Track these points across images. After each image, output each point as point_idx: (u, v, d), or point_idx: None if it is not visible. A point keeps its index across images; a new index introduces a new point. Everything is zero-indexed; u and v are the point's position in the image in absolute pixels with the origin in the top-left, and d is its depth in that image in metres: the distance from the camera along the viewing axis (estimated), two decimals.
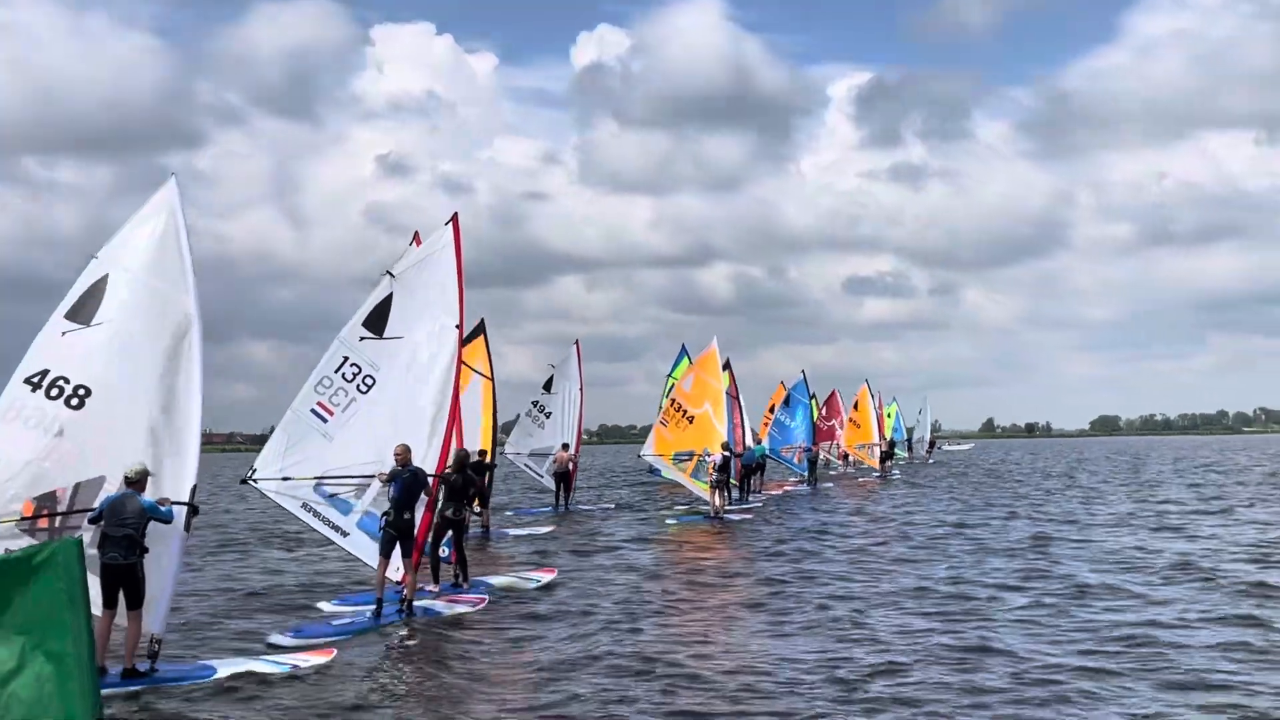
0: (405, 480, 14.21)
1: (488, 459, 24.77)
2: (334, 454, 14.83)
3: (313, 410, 14.91)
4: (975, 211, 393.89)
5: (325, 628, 13.91)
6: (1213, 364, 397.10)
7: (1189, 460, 70.79)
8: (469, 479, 16.74)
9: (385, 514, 14.30)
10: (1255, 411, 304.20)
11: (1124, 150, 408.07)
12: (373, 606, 14.35)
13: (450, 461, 16.14)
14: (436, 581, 16.49)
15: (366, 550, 14.74)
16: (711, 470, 29.19)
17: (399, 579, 14.51)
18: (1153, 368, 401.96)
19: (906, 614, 14.24)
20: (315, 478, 14.84)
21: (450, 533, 16.56)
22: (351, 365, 15.00)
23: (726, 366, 38.38)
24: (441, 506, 16.16)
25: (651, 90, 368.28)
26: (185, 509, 11.03)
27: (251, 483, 14.92)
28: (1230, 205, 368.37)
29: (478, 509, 24.28)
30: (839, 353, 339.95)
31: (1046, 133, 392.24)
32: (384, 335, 15.15)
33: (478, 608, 15.21)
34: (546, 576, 17.62)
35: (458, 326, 15.24)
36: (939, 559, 19.83)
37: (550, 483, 31.53)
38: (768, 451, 44.05)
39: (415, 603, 14.72)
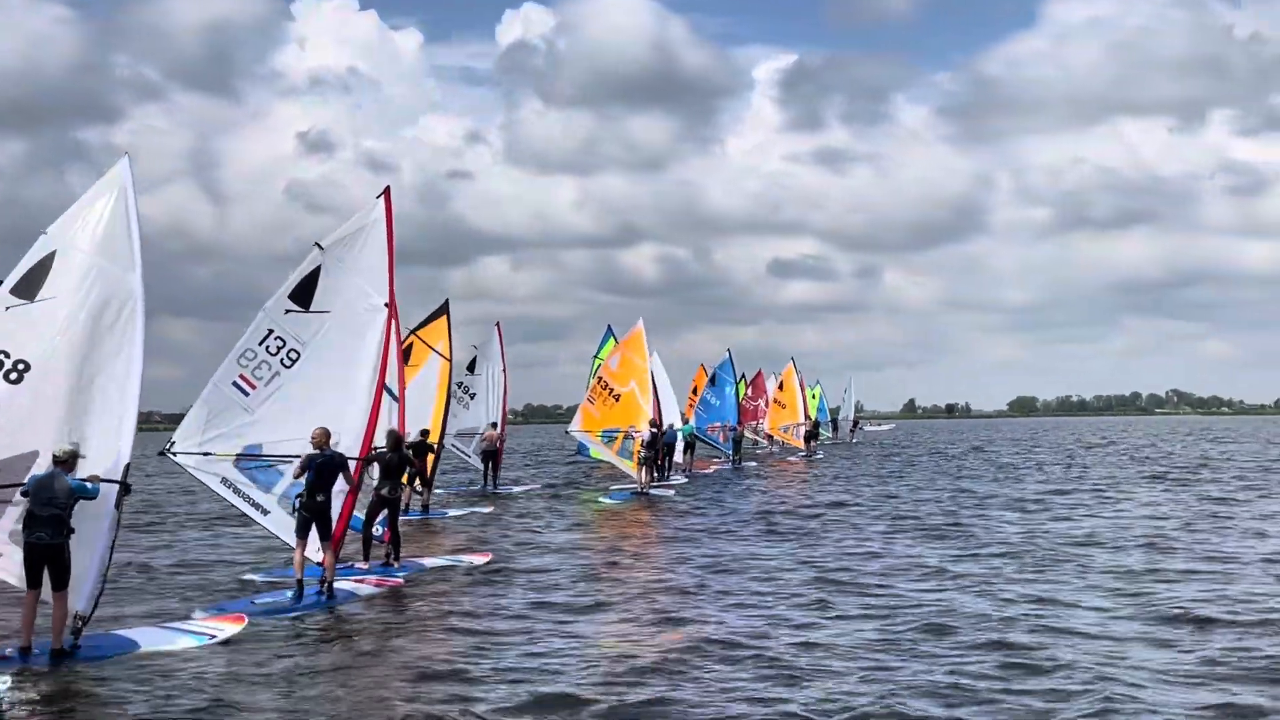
0: (319, 463, 13.67)
1: (430, 439, 24.28)
2: (256, 429, 14.39)
3: (234, 383, 14.41)
4: (897, 195, 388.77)
5: (246, 604, 13.41)
6: (1126, 346, 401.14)
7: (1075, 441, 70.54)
8: (404, 458, 16.46)
9: (299, 495, 13.81)
10: (1167, 394, 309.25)
11: (1043, 135, 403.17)
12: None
13: (383, 442, 15.89)
14: (367, 559, 16.07)
15: (287, 529, 14.27)
16: (639, 447, 29.11)
17: (319, 560, 13.96)
18: (1069, 350, 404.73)
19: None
20: (236, 454, 14.34)
21: (385, 511, 16.20)
22: (276, 338, 14.47)
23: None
24: (378, 485, 15.91)
25: (577, 70, 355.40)
26: (117, 487, 10.70)
27: (170, 455, 14.41)
28: (1145, 191, 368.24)
29: (419, 488, 23.86)
30: (762, 334, 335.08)
31: (967, 117, 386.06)
32: (310, 309, 14.59)
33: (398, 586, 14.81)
34: (480, 560, 17.09)
35: (387, 304, 14.72)
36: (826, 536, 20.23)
37: (477, 462, 31.00)
38: (695, 431, 43.62)
39: (338, 582, 14.25)
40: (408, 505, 23.65)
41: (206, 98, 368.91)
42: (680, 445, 39.00)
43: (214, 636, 11.41)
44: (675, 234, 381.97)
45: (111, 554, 10.94)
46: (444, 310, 26.11)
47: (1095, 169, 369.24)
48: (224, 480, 14.43)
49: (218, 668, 10.44)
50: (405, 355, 24.93)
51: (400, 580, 15.27)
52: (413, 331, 25.68)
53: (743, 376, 49.58)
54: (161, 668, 10.34)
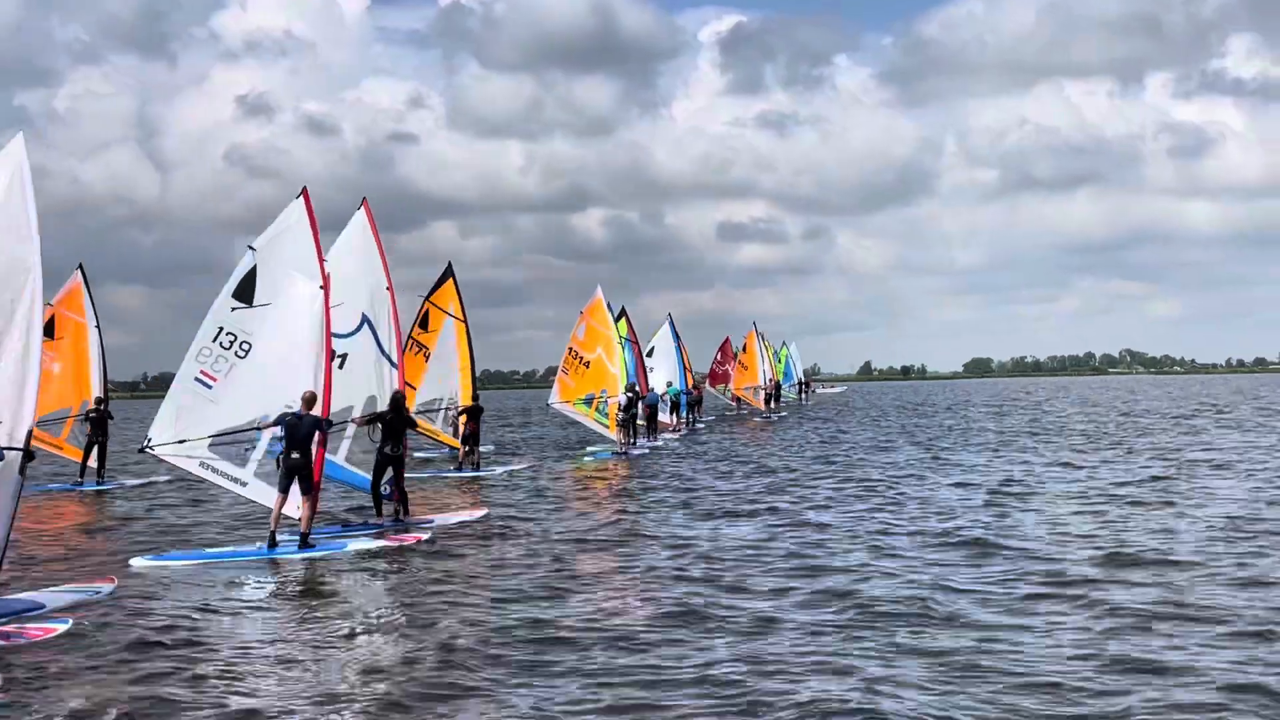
0: (289, 423, 13.60)
1: (464, 401, 24.36)
2: (223, 415, 14.38)
3: (196, 379, 14.40)
4: (843, 158, 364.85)
5: (198, 554, 13.33)
6: (1078, 307, 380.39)
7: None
8: (405, 418, 16.05)
9: (279, 454, 13.75)
10: (1120, 354, 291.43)
11: (984, 98, 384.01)
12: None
13: (387, 404, 16.03)
14: (380, 515, 15.78)
15: (266, 496, 14.18)
16: (616, 410, 28.76)
17: (299, 516, 13.73)
18: (1021, 311, 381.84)
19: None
20: (210, 436, 14.33)
21: (391, 470, 15.79)
22: (227, 334, 14.47)
23: (622, 314, 38.25)
24: (380, 444, 15.63)
25: (515, 33, 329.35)
26: (20, 454, 10.02)
27: (149, 451, 14.33)
28: (1088, 152, 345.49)
29: (461, 449, 24.08)
30: (717, 298, 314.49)
31: (908, 81, 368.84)
32: (254, 303, 14.63)
33: (415, 543, 14.18)
34: (478, 514, 16.71)
35: (322, 288, 14.67)
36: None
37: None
38: (679, 391, 41.71)
39: (343, 538, 14.19)
40: (461, 464, 24.06)
41: (144, 60, 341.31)
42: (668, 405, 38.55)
43: (98, 592, 10.88)
44: (624, 198, 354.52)
45: (13, 521, 10.02)
46: (449, 273, 25.53)
47: (1037, 130, 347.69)
48: (202, 464, 14.42)
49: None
50: (424, 322, 24.99)
51: (416, 536, 14.57)
52: (425, 298, 25.24)
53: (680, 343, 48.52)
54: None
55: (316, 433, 13.70)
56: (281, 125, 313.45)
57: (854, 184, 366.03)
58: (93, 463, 22.42)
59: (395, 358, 16.77)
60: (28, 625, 9.60)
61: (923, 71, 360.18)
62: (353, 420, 15.74)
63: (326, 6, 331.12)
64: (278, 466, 13.76)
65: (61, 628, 9.44)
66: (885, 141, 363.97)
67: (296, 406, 13.78)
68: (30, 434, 10.19)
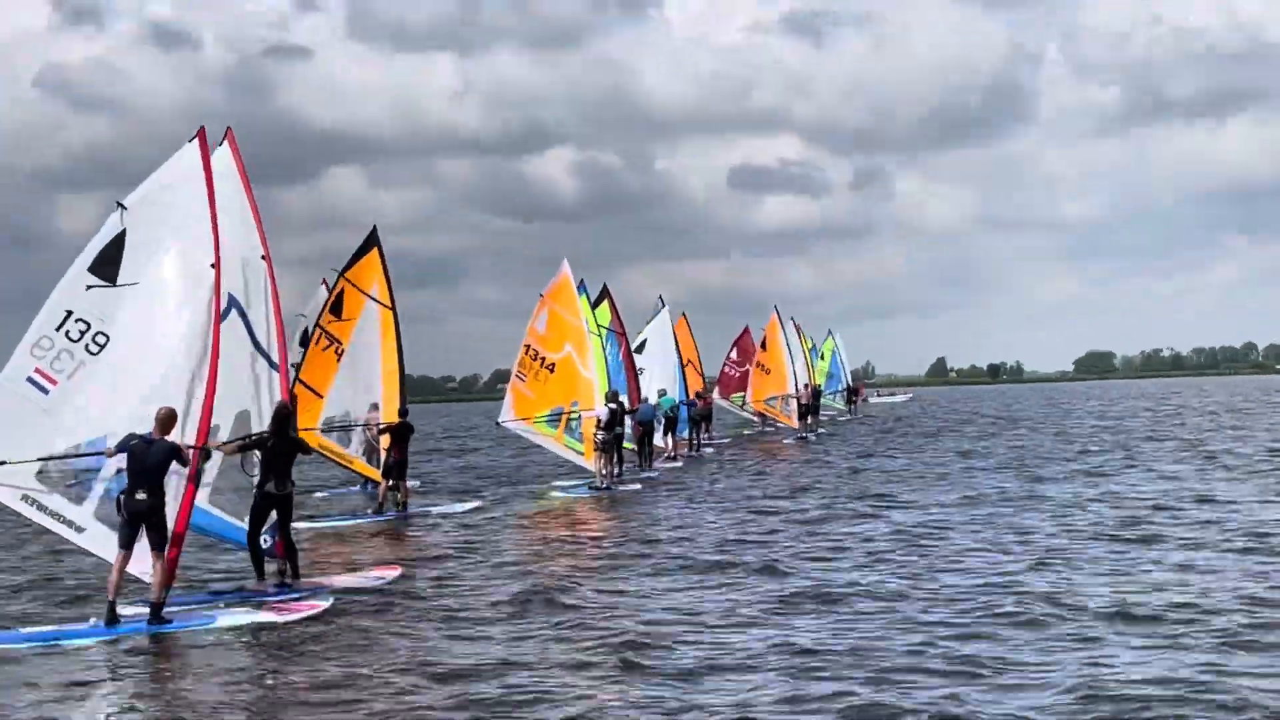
0: (134, 451, 13.71)
1: (385, 419, 24.72)
2: (60, 432, 14.48)
3: (30, 379, 14.43)
4: (904, 75, 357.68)
5: (13, 635, 13.50)
6: (1234, 278, 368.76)
7: None
8: (293, 442, 15.91)
9: (121, 493, 13.86)
10: None
11: None
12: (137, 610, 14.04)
13: (268, 422, 15.81)
14: (261, 578, 15.85)
15: (108, 547, 14.25)
16: (595, 429, 28.57)
17: (153, 579, 13.95)
18: (1155, 286, 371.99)
19: None
20: (38, 460, 14.41)
21: (275, 514, 15.74)
22: (77, 321, 14.55)
23: (604, 296, 38.66)
24: (260, 480, 15.60)
25: None
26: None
27: None
28: (1247, 62, 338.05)
29: (383, 483, 24.33)
30: (730, 272, 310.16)
31: None
32: (117, 282, 14.76)
33: (315, 612, 14.51)
34: (390, 574, 17.02)
35: (213, 265, 14.80)
36: None
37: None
38: (676, 403, 41.14)
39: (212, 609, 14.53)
40: (381, 504, 24.33)
41: None
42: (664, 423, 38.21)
43: None
44: (600, 135, 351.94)
45: None
46: (373, 241, 25.84)
47: (1175, 33, 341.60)
48: (26, 497, 14.45)
49: None
50: (336, 308, 25.23)
51: (314, 604, 14.87)
52: (341, 274, 25.58)
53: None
54: None
55: (173, 465, 13.89)
56: (118, 36, 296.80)
57: (920, 111, 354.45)
58: None
59: (276, 356, 16.42)
60: None
61: None
62: (217, 446, 15.38)
63: None
64: (118, 511, 13.92)
65: None
66: (963, 50, 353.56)
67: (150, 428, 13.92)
68: None
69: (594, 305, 36.63)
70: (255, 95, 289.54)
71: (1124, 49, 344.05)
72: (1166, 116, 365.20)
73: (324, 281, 31.76)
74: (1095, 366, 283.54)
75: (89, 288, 14.72)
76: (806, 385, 56.43)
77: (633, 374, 38.03)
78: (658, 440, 37.32)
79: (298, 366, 25.25)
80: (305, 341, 27.79)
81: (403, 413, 24.84)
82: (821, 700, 10.26)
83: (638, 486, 30.39)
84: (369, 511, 24.83)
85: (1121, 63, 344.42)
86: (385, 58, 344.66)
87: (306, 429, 24.49)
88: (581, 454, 29.31)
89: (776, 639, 12.59)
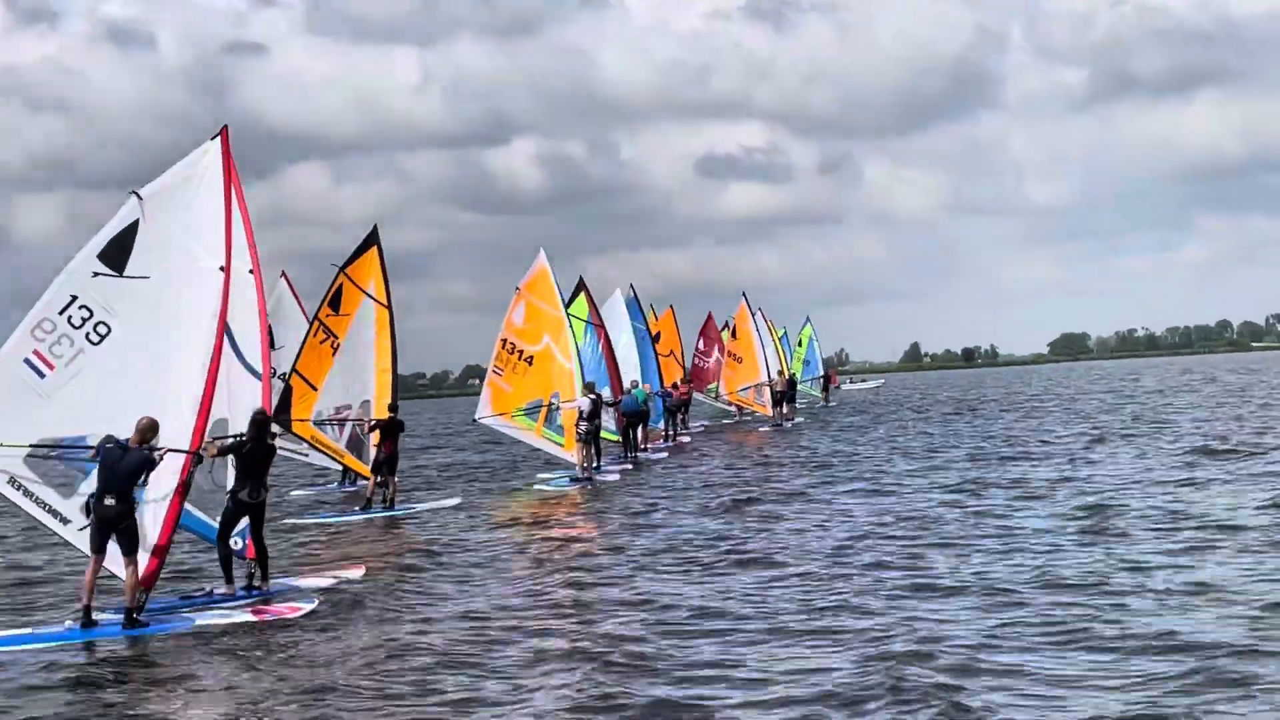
0: (107, 455, 13.76)
1: (376, 414, 24.88)
2: (54, 419, 14.51)
3: (27, 360, 14.48)
4: (870, 59, 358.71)
5: None
6: (1207, 256, 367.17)
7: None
8: (269, 448, 15.98)
9: (90, 498, 13.92)
10: (1269, 320, 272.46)
11: None
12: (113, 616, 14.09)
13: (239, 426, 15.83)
14: (230, 582, 15.79)
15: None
16: (577, 420, 28.88)
17: (125, 584, 14.01)
18: (1127, 265, 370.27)
19: None
20: (29, 445, 14.42)
21: (246, 519, 15.75)
22: (81, 307, 14.59)
23: (580, 289, 38.59)
24: (234, 485, 15.57)
25: None
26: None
27: None
28: (1214, 40, 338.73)
29: (371, 479, 24.63)
30: (696, 260, 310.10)
31: None
32: (125, 273, 14.75)
33: (297, 615, 14.55)
34: (354, 573, 17.12)
35: (223, 269, 14.80)
36: None
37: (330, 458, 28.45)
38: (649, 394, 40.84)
39: (187, 611, 14.62)
40: (370, 500, 24.53)
41: None
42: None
43: None
44: (563, 123, 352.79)
45: None
46: (373, 240, 25.99)
47: (1140, 10, 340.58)
48: (13, 480, 14.49)
49: None
50: (335, 303, 25.39)
51: (293, 606, 14.94)
52: (341, 270, 25.69)
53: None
54: None
55: (154, 472, 13.96)
56: (72, 36, 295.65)
57: (886, 96, 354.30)
58: None
59: (259, 367, 16.39)
60: None
61: None
62: (204, 449, 15.14)
63: None
64: (86, 514, 13.99)
65: None
66: (927, 34, 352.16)
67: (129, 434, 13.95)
68: None
69: (570, 299, 36.38)
70: (214, 93, 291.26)
71: (1088, 29, 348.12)
72: (1133, 96, 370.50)
73: (283, 274, 32.27)
74: (1070, 348, 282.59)
75: (95, 275, 14.70)
76: (780, 373, 56.26)
77: (613, 366, 38.22)
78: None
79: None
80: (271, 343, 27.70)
81: (393, 409, 24.96)
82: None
83: (617, 476, 30.79)
84: (357, 508, 25.02)
85: (1086, 43, 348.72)
86: (344, 51, 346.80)
87: (300, 419, 24.99)
88: (561, 445, 29.50)
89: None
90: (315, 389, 25.13)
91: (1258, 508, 19.38)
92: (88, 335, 14.66)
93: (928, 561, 16.64)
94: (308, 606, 14.94)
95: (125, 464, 13.75)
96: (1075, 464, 28.07)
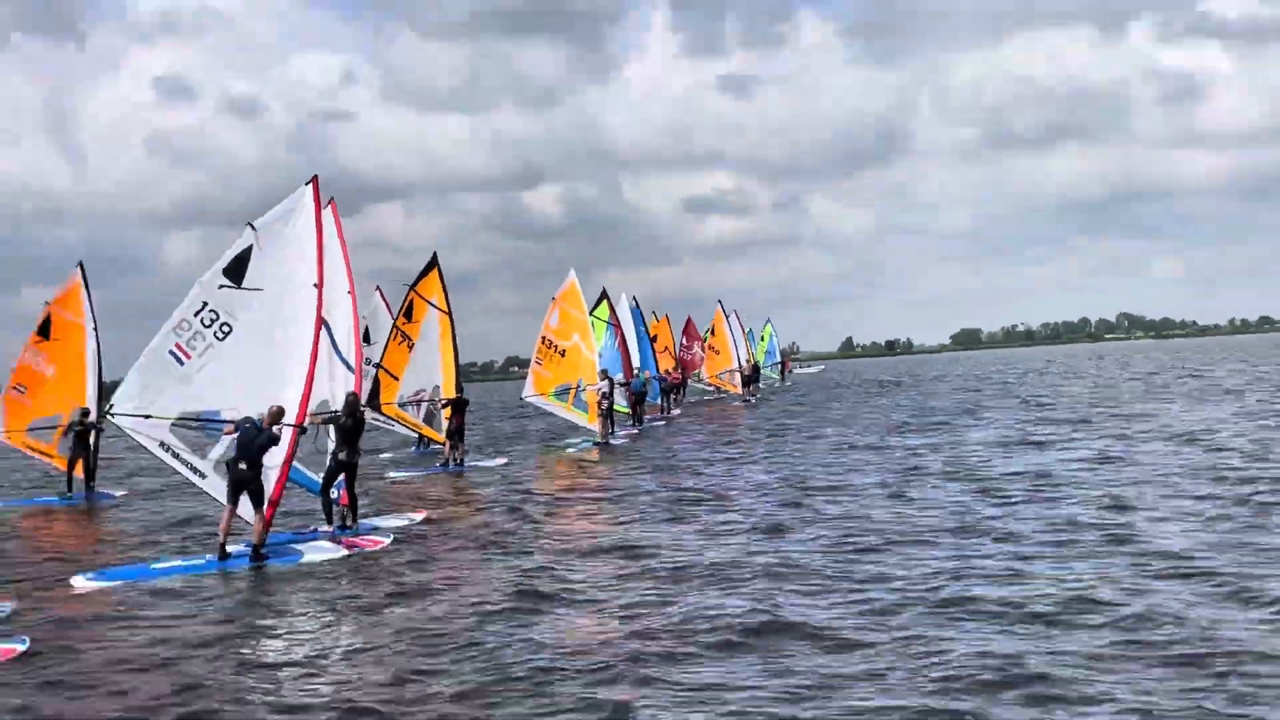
0: (245, 433, 13.74)
1: (445, 394, 24.81)
2: (191, 397, 14.48)
3: (171, 352, 14.43)
4: (812, 120, 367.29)
5: (143, 570, 13.42)
6: (1071, 269, 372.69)
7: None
8: (360, 421, 16.18)
9: (229, 462, 13.90)
10: (1118, 318, 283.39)
11: (959, 51, 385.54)
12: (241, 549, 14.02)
13: (338, 405, 16.20)
14: (330, 523, 15.82)
15: (222, 491, 14.24)
16: (598, 399, 29.30)
17: (254, 528, 13.98)
18: (1011, 276, 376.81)
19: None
20: (174, 418, 14.43)
21: (343, 475, 15.92)
22: (210, 311, 14.49)
23: (603, 298, 38.46)
24: (334, 449, 15.78)
25: None
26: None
27: (110, 416, 14.56)
28: (1072, 103, 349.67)
29: (446, 444, 24.69)
30: (684, 275, 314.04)
31: (877, 34, 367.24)
32: (242, 285, 14.61)
33: (378, 548, 14.53)
34: (419, 516, 17.02)
35: (316, 285, 14.62)
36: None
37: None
38: (652, 378, 41.51)
39: (297, 545, 14.56)
40: (447, 460, 24.64)
41: (52, 43, 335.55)
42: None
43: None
44: (579, 171, 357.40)
45: None
46: (434, 263, 25.79)
47: (1017, 82, 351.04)
48: (162, 444, 14.51)
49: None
50: (408, 313, 25.28)
51: (376, 540, 14.92)
52: (410, 288, 25.50)
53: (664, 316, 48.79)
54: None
55: (277, 447, 13.94)
56: (205, 109, 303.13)
57: (826, 147, 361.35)
58: (81, 474, 22.17)
59: (352, 361, 16.90)
60: None
61: (892, 24, 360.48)
62: (313, 419, 15.51)
63: None
64: (227, 472, 13.93)
65: (20, 648, 9.90)
66: (857, 100, 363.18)
67: (262, 414, 13.94)
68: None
69: (595, 304, 36.65)
70: (314, 150, 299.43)
71: (979, 97, 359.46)
72: (1014, 147, 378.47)
73: (378, 288, 32.03)
74: (967, 340, 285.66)
75: (221, 287, 14.61)
76: (748, 360, 57.19)
77: (626, 357, 38.11)
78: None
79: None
80: (366, 338, 27.17)
81: (459, 389, 25.02)
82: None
83: (626, 440, 31.05)
84: (437, 465, 25.09)
85: (978, 107, 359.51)
86: (412, 117, 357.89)
87: (387, 403, 25.15)
88: (585, 419, 29.78)
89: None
90: (397, 379, 25.15)
91: (1077, 460, 19.91)
92: (215, 333, 14.60)
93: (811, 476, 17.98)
94: (385, 541, 14.91)
95: (258, 441, 13.73)
96: (954, 429, 28.66)
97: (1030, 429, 26.99)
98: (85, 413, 22.09)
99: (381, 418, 26.01)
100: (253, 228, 14.82)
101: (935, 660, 8.39)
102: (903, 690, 7.80)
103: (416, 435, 29.05)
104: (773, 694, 7.90)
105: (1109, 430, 25.18)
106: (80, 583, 12.86)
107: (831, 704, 7.64)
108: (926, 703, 7.49)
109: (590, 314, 31.82)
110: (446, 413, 24.99)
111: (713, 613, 10.05)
